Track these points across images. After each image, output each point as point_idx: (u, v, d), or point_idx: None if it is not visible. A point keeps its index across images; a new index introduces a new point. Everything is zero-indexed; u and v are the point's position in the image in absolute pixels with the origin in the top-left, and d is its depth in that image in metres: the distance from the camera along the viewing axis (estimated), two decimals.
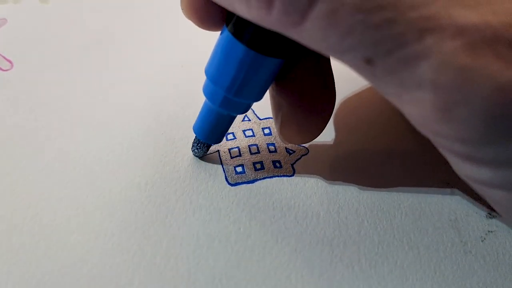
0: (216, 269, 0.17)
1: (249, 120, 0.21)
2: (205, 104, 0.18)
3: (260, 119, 0.21)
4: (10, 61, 0.23)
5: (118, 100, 0.22)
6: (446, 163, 0.20)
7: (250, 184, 0.19)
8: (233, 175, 0.19)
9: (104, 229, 0.18)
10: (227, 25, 0.15)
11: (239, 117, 0.21)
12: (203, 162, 0.20)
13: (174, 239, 0.17)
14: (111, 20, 0.25)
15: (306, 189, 0.19)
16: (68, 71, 0.23)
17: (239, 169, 0.20)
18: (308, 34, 0.12)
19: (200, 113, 0.19)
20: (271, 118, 0.21)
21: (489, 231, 0.18)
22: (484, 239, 0.18)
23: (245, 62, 0.15)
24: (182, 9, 0.16)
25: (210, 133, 0.19)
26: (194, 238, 0.18)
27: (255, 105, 0.22)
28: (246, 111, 0.18)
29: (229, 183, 0.19)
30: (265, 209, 0.18)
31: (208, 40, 0.25)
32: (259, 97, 0.17)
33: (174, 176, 0.19)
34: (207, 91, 0.17)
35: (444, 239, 0.18)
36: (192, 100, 0.22)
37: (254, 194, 0.19)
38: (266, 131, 0.21)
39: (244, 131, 0.21)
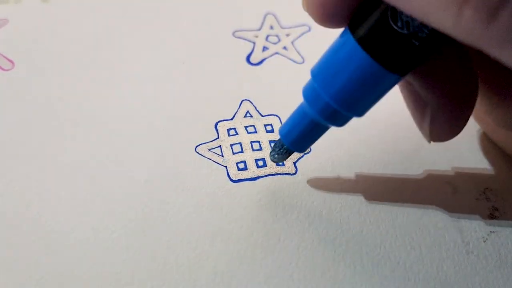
0: (217, 267, 0.17)
1: (251, 116, 0.21)
2: (299, 108, 0.16)
3: (262, 116, 0.21)
4: (11, 61, 0.23)
5: (119, 98, 0.22)
6: (448, 162, 0.20)
7: (252, 181, 0.19)
8: (235, 171, 0.19)
9: (104, 226, 0.17)
10: (350, 28, 0.14)
11: (241, 113, 0.21)
12: (204, 159, 0.19)
13: (175, 236, 0.17)
14: (112, 19, 0.25)
15: (308, 188, 0.19)
16: (69, 70, 0.23)
17: (241, 165, 0.19)
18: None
19: (292, 117, 0.17)
20: (273, 115, 0.21)
21: (491, 231, 0.18)
22: (486, 239, 0.18)
23: (363, 73, 0.14)
24: (303, 4, 0.15)
25: (299, 140, 0.17)
26: (196, 236, 0.17)
27: (257, 102, 0.21)
28: (343, 125, 0.16)
29: (231, 180, 0.19)
30: (268, 207, 0.18)
31: (208, 37, 0.25)
32: (362, 113, 0.15)
33: (175, 172, 0.19)
34: (309, 93, 0.15)
35: (446, 239, 0.18)
36: (192, 97, 0.22)
37: (256, 192, 0.19)
38: (269, 128, 0.21)
39: (246, 127, 0.21)
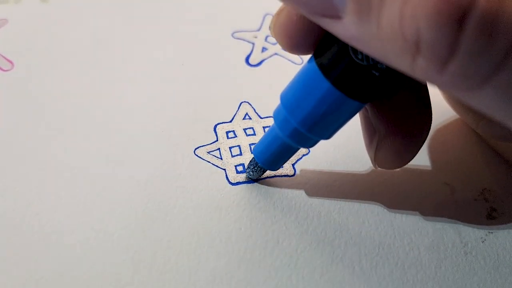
0: (216, 269, 0.17)
1: (250, 118, 0.21)
2: (271, 129, 0.17)
3: (261, 118, 0.21)
4: (10, 61, 0.23)
5: (119, 99, 0.22)
6: (446, 164, 0.20)
7: (251, 184, 0.19)
8: (234, 174, 0.19)
9: (104, 227, 0.18)
10: (315, 57, 0.14)
11: (240, 115, 0.21)
12: (203, 161, 0.20)
13: (174, 238, 0.17)
14: (111, 19, 0.25)
15: (306, 190, 0.19)
16: (69, 70, 0.23)
17: (240, 168, 0.19)
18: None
19: (264, 137, 0.18)
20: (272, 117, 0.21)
21: (489, 232, 0.18)
22: (484, 240, 0.18)
23: (327, 100, 0.14)
24: (271, 30, 0.15)
25: (270, 160, 0.18)
26: (195, 238, 0.17)
27: (256, 104, 0.22)
28: (312, 146, 0.17)
29: (230, 182, 0.19)
30: (266, 209, 0.18)
31: (208, 38, 0.25)
32: (329, 136, 0.16)
33: (175, 174, 0.19)
34: (279, 118, 0.16)
35: (444, 240, 0.18)
36: (191, 98, 0.22)
37: (255, 194, 0.19)
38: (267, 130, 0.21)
39: (245, 129, 0.21)
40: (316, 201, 0.19)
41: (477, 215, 0.19)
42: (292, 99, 0.15)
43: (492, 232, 0.18)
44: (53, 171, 0.19)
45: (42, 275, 0.16)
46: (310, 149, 0.20)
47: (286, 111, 0.16)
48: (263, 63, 0.24)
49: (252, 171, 0.19)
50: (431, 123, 0.17)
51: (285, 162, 0.18)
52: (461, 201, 0.19)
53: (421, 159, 0.20)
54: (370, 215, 0.19)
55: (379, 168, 0.18)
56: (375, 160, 0.18)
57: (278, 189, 0.19)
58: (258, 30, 0.25)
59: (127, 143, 0.20)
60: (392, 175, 0.20)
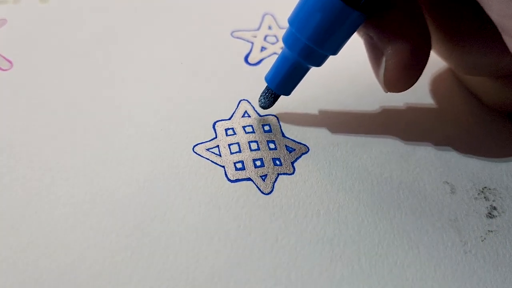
0: (215, 267, 0.17)
1: (249, 116, 0.21)
2: (282, 53, 0.19)
3: (260, 116, 0.21)
4: (10, 61, 0.23)
5: (117, 98, 0.22)
6: (446, 162, 0.20)
7: (250, 181, 0.19)
8: (233, 171, 0.19)
9: (103, 226, 0.17)
10: None
11: (239, 113, 0.21)
12: (202, 159, 0.19)
13: (173, 236, 0.17)
14: (110, 19, 0.25)
15: (306, 188, 0.19)
16: (68, 70, 0.23)
17: (239, 165, 0.19)
18: None
19: (275, 62, 0.19)
20: (271, 115, 0.21)
21: (489, 230, 0.18)
22: (484, 238, 0.18)
23: (332, 13, 0.16)
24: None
25: (282, 83, 0.19)
26: (193, 235, 0.17)
27: (255, 102, 0.21)
28: (321, 64, 0.18)
29: (229, 180, 0.19)
30: (265, 207, 0.18)
31: (207, 37, 0.25)
32: (336, 51, 0.18)
33: (173, 172, 0.19)
34: (288, 39, 0.18)
35: (444, 239, 0.18)
36: (190, 96, 0.22)
37: (254, 192, 0.19)
38: (266, 128, 0.21)
39: (244, 127, 0.21)
40: (315, 200, 0.19)
41: (477, 214, 0.19)
42: (300, 17, 0.17)
43: (492, 231, 0.18)
44: (52, 170, 0.19)
45: (41, 275, 0.16)
46: (310, 147, 0.20)
47: (295, 29, 0.17)
48: (262, 62, 0.24)
49: (264, 98, 0.20)
50: (430, 39, 0.18)
51: (296, 85, 0.19)
52: (461, 199, 0.19)
53: (421, 157, 0.20)
54: (369, 214, 0.18)
55: (389, 92, 0.19)
56: (385, 82, 0.19)
57: (277, 187, 0.19)
58: (257, 29, 0.25)
59: (126, 142, 0.20)
60: (391, 173, 0.20)
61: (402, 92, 0.19)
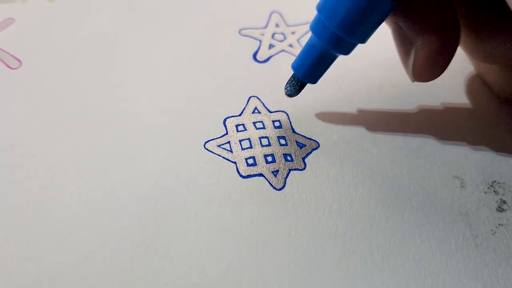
0: (228, 263, 0.17)
1: (259, 112, 0.21)
2: (309, 41, 0.18)
3: (270, 112, 0.21)
4: (19, 60, 0.23)
5: (127, 96, 0.22)
6: (456, 156, 0.20)
7: (262, 177, 0.19)
8: (244, 167, 0.19)
9: (114, 223, 0.17)
10: None
11: (249, 109, 0.21)
12: (214, 155, 0.20)
13: (186, 232, 0.17)
14: (118, 18, 0.25)
15: (317, 183, 0.19)
16: (76, 68, 0.23)
17: (250, 161, 0.19)
18: None
19: (302, 50, 0.19)
20: (281, 111, 0.21)
21: (499, 224, 0.19)
22: (495, 232, 0.18)
23: (363, 0, 0.16)
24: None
25: (309, 71, 0.19)
26: (206, 232, 0.17)
27: (265, 98, 0.22)
28: (349, 52, 0.18)
29: (240, 175, 0.19)
30: (278, 202, 0.18)
31: (215, 35, 0.25)
32: (365, 40, 0.18)
33: (185, 169, 0.19)
34: (316, 27, 0.18)
35: (455, 233, 0.18)
36: (201, 94, 0.22)
37: (266, 187, 0.19)
38: (277, 124, 0.21)
39: (254, 123, 0.21)
40: (327, 195, 0.19)
41: (487, 208, 0.19)
42: (329, 5, 0.17)
43: (502, 225, 0.19)
44: (62, 169, 0.19)
45: (51, 272, 0.16)
46: (321, 143, 0.20)
47: (323, 17, 0.17)
48: (270, 60, 0.24)
49: (290, 86, 0.19)
50: (458, 23, 0.18)
51: (323, 74, 0.19)
52: (471, 193, 0.19)
53: (430, 152, 0.20)
54: (380, 209, 0.19)
55: (416, 82, 0.19)
56: (413, 73, 0.19)
57: (289, 183, 0.19)
58: (265, 27, 0.25)
59: (137, 139, 0.20)
60: (401, 168, 0.20)
61: (409, 88, 0.19)
